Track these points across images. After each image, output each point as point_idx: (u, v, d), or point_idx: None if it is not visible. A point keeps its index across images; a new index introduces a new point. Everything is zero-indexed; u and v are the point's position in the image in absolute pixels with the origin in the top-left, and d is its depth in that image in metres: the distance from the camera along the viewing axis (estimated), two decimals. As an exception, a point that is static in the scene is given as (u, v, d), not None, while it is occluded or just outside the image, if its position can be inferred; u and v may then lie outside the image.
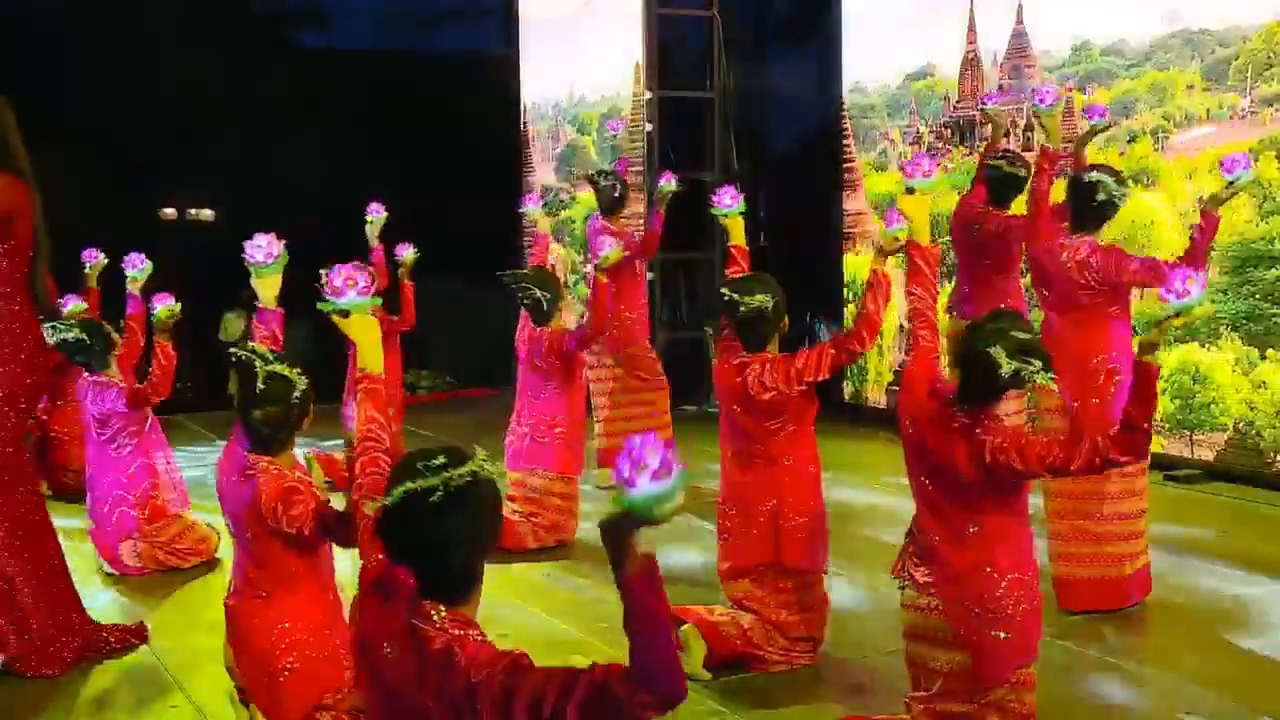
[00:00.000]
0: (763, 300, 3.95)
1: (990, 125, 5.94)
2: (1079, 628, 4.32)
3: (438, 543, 2.12)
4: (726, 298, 3.98)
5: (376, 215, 6.92)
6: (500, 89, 11.17)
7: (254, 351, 3.43)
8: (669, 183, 6.55)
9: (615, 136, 8.21)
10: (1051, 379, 3.06)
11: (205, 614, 4.43)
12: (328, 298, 2.90)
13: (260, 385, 3.37)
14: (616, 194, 6.71)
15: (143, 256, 5.64)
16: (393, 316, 6.78)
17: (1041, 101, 4.78)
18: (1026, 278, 5.38)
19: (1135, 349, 3.20)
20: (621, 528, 1.89)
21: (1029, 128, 7.63)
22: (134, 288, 5.63)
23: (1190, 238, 4.42)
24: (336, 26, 11.67)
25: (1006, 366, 3.02)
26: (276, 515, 3.27)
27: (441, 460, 2.12)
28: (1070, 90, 7.45)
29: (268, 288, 3.53)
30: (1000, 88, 7.75)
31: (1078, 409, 4.40)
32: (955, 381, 3.21)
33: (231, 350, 3.45)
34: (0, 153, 4.00)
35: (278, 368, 3.41)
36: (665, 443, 1.87)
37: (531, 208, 6.60)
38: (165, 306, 5.13)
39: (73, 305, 5.73)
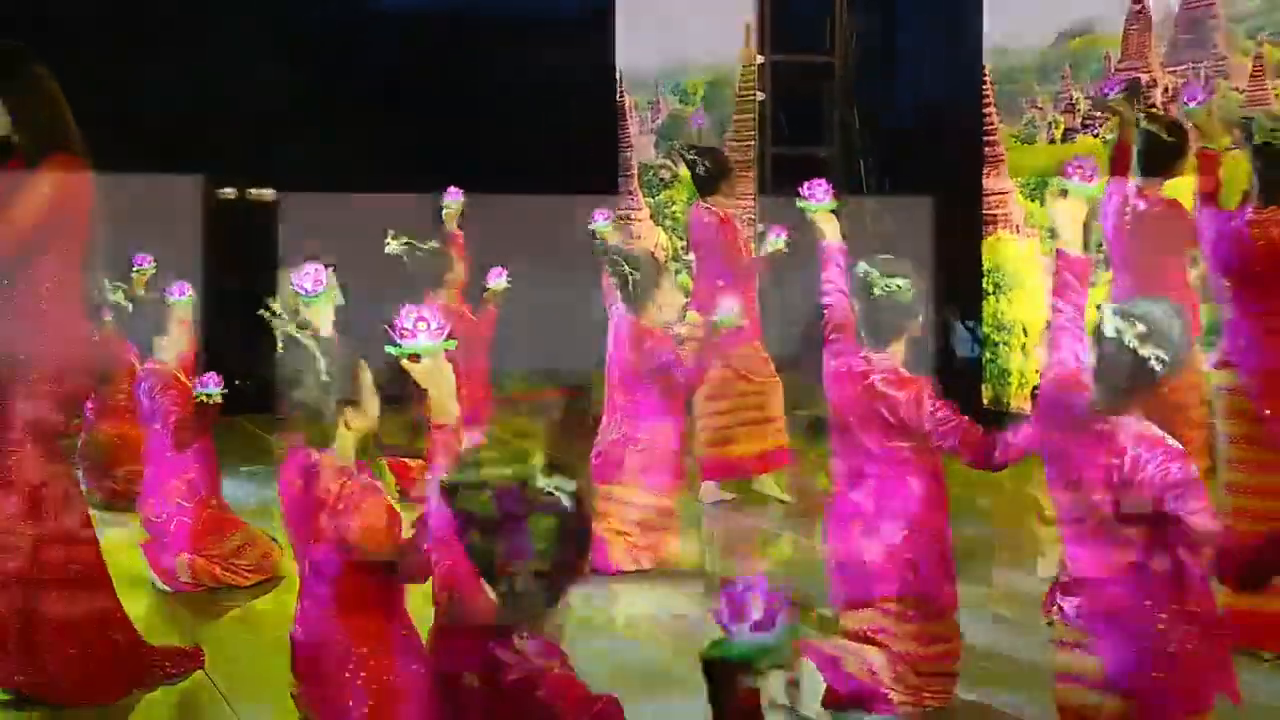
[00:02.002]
0: (902, 285, 3.86)
1: (1118, 119, 5.40)
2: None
3: (517, 564, 2.17)
4: (862, 274, 3.91)
5: (454, 200, 7.04)
6: (592, 55, 11.13)
7: (272, 312, 3.35)
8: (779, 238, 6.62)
9: (699, 132, 8.25)
10: (1169, 369, 2.99)
11: (265, 635, 4.46)
12: (396, 341, 2.87)
13: (280, 348, 3.31)
14: (704, 172, 6.69)
15: (186, 285, 5.68)
16: (474, 316, 6.86)
17: (1191, 100, 4.66)
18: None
19: None
20: (722, 670, 2.01)
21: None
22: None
23: None
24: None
25: (1112, 327, 3.00)
26: (378, 542, 3.20)
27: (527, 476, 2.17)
28: (1262, 44, 7.04)
29: (319, 315, 3.53)
30: (1159, 60, 7.45)
31: (1269, 419, 4.20)
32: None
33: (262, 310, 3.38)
34: (55, 128, 3.80)
35: (293, 330, 3.31)
36: (773, 594, 1.99)
37: (601, 223, 6.61)
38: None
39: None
